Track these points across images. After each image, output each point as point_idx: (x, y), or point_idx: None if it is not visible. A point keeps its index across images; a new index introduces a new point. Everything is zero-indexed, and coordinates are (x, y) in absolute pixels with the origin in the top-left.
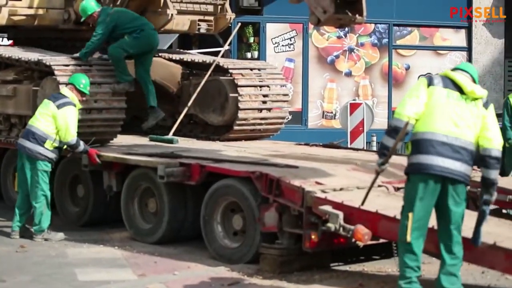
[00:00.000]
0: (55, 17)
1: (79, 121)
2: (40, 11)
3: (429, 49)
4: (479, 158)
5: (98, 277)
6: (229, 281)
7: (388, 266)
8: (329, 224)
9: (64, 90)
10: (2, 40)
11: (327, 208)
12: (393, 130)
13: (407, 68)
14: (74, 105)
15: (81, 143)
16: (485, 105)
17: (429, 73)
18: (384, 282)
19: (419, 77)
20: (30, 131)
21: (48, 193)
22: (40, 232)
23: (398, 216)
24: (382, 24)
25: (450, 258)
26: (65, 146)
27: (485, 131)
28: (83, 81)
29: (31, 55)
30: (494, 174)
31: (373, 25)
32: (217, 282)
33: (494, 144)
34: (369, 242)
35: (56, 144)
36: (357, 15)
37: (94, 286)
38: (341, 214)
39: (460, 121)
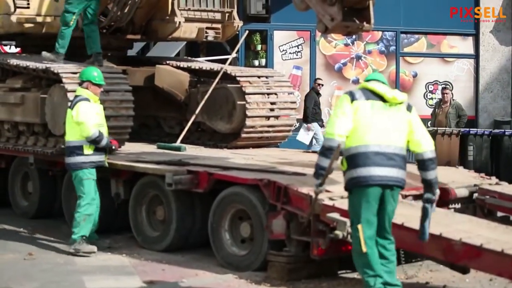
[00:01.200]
0: None
1: None
2: (48, 19)
3: (437, 57)
4: (416, 161)
5: (106, 284)
6: None
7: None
8: (337, 232)
9: (78, 90)
10: (10, 48)
11: (335, 215)
12: (327, 150)
13: (415, 76)
14: (87, 100)
15: (104, 136)
16: (408, 109)
17: (437, 81)
18: None
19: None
20: (66, 147)
21: (92, 204)
22: (72, 242)
23: (406, 224)
24: (389, 32)
25: (385, 250)
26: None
27: (413, 135)
28: (95, 74)
29: (39, 63)
30: (432, 174)
31: (380, 32)
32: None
33: (424, 147)
34: None
35: (94, 145)
36: (364, 23)
37: None
38: (348, 222)
39: (388, 129)
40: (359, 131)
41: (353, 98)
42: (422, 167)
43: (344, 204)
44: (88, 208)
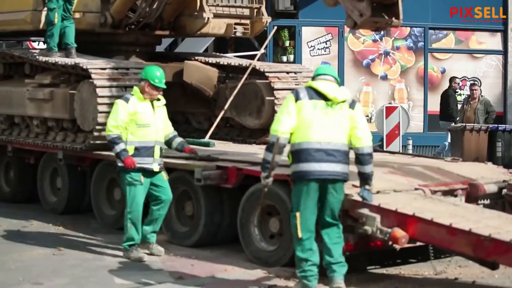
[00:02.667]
0: (92, 21)
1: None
2: (77, 15)
3: (465, 53)
4: (355, 155)
5: (135, 280)
6: (266, 284)
7: (424, 269)
8: (366, 227)
9: (134, 89)
10: (38, 44)
11: (364, 211)
12: (271, 146)
13: (443, 72)
14: (127, 99)
15: (119, 146)
16: (352, 105)
17: (465, 77)
18: (421, 285)
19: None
20: None
21: (136, 210)
22: (124, 250)
23: (436, 219)
24: (417, 28)
25: (329, 240)
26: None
27: (354, 131)
28: (158, 74)
29: (68, 59)
30: (369, 168)
31: (408, 28)
32: (254, 285)
33: (364, 142)
34: (406, 245)
35: (131, 146)
36: (393, 18)
37: None
38: (378, 217)
39: (329, 126)
40: (302, 128)
41: (297, 97)
42: (359, 161)
43: (373, 200)
44: (133, 215)
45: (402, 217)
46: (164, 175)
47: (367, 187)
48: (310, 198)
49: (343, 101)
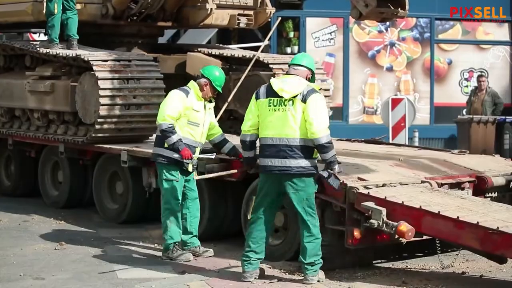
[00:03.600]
0: (93, 12)
1: (118, 116)
2: (78, 6)
3: (472, 43)
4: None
5: (137, 274)
6: (271, 278)
7: (431, 263)
8: (372, 221)
9: (192, 84)
10: (39, 36)
11: (370, 204)
12: (242, 143)
13: (449, 63)
14: (187, 92)
15: (176, 136)
16: (304, 100)
17: (472, 68)
18: (427, 279)
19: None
20: None
21: (174, 206)
22: (165, 250)
23: (442, 212)
24: (424, 18)
25: (302, 238)
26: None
27: (306, 124)
28: (217, 74)
29: (69, 51)
30: (327, 155)
31: (414, 19)
32: (258, 280)
33: (317, 135)
34: (412, 239)
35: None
36: (399, 9)
37: (134, 283)
38: (384, 210)
39: (282, 123)
40: (261, 126)
41: (257, 97)
42: (318, 151)
43: (379, 193)
44: (171, 212)
45: (408, 210)
46: (195, 174)
47: (329, 171)
48: (269, 192)
49: (295, 96)
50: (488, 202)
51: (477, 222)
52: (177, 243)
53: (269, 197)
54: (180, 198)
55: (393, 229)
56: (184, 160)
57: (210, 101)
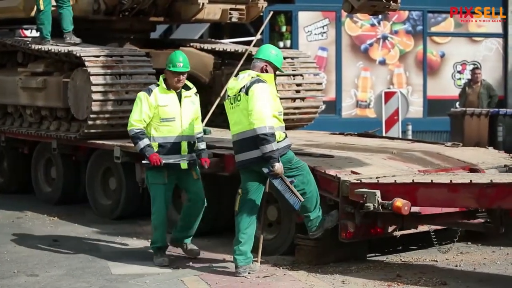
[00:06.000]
0: (85, 8)
1: (111, 112)
2: (70, 2)
3: (464, 36)
4: None
5: (131, 270)
6: (264, 273)
7: (425, 257)
8: (368, 204)
9: (160, 79)
10: (30, 32)
11: (363, 189)
12: None
13: (442, 56)
14: (146, 91)
15: (143, 141)
16: (247, 91)
17: (465, 61)
18: (422, 272)
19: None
20: None
21: (161, 210)
22: (152, 248)
23: (435, 181)
24: (416, 11)
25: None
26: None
27: (248, 115)
28: (178, 58)
29: (61, 47)
30: (263, 149)
31: (407, 12)
32: (252, 274)
33: (252, 124)
34: (406, 232)
35: (154, 143)
36: (391, 2)
37: (128, 279)
38: (378, 192)
39: (237, 119)
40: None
41: (224, 99)
42: (257, 143)
43: (370, 180)
44: (155, 217)
45: (402, 187)
46: (194, 174)
47: (266, 170)
48: (244, 182)
49: (240, 91)
50: (478, 174)
51: (470, 180)
52: (161, 248)
53: (253, 188)
54: (166, 202)
55: (389, 208)
56: (153, 167)
57: (187, 89)
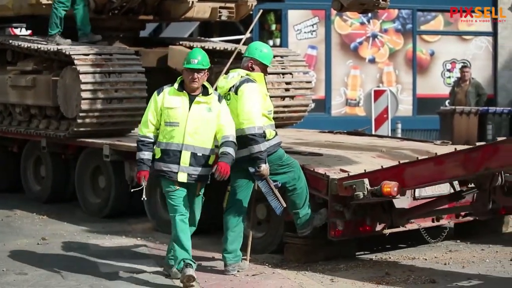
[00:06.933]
0: None
1: (100, 111)
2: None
3: (454, 35)
4: None
5: (120, 269)
6: (253, 271)
7: (414, 255)
8: (357, 193)
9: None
10: (20, 30)
11: (351, 180)
12: None
13: (432, 54)
14: (158, 90)
15: (141, 153)
16: (236, 90)
17: (454, 59)
18: (411, 270)
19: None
20: None
21: (176, 220)
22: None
23: (420, 158)
24: (405, 10)
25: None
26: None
27: (238, 115)
28: (195, 55)
29: (51, 45)
30: (252, 149)
31: (396, 10)
32: (242, 272)
33: (241, 124)
34: (395, 230)
35: (157, 148)
36: (380, 0)
37: (116, 278)
38: (366, 180)
39: None
40: None
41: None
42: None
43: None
44: (175, 229)
45: (388, 171)
46: (198, 188)
47: (257, 169)
48: (233, 180)
49: (230, 90)
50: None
51: (455, 149)
52: (186, 261)
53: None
54: (184, 209)
55: (380, 193)
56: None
57: (205, 94)
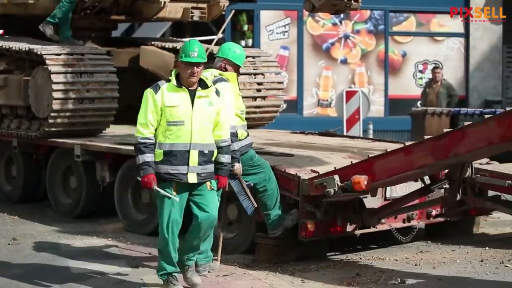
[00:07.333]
0: (46, 6)
1: (72, 111)
2: (31, 0)
3: (426, 36)
4: None
5: (91, 269)
6: (224, 272)
7: (385, 255)
8: (328, 189)
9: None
10: None
11: (322, 178)
12: None
13: (404, 55)
14: (153, 87)
15: (143, 156)
16: None
17: (426, 60)
18: (381, 271)
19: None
20: None
21: (168, 231)
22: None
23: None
24: (378, 11)
25: None
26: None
27: None
28: (193, 47)
29: (22, 45)
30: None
31: (369, 11)
32: (212, 273)
33: None
34: (366, 231)
35: (159, 150)
36: (352, 1)
37: (87, 278)
38: (336, 176)
39: None
40: None
41: None
42: None
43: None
44: (160, 239)
45: (358, 166)
46: (208, 185)
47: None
48: None
49: None
50: None
51: (423, 138)
52: (172, 274)
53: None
54: (178, 220)
55: (350, 188)
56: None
57: (205, 87)
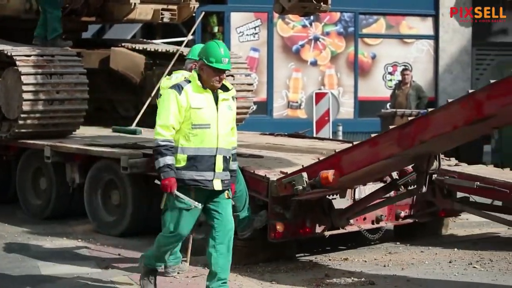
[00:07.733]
0: (17, 7)
1: (42, 112)
2: (1, 1)
3: (396, 38)
4: None
5: (61, 270)
6: (194, 273)
7: (354, 256)
8: (297, 187)
9: (192, 73)
10: None
11: (291, 177)
12: None
13: (373, 57)
14: (176, 88)
15: (164, 159)
16: None
17: (396, 62)
18: (350, 272)
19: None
20: None
21: (176, 239)
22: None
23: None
24: (348, 13)
25: None
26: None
27: None
28: (220, 51)
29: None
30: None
31: (338, 13)
32: (182, 274)
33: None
34: (335, 232)
35: (182, 155)
36: (322, 3)
37: (57, 279)
38: (305, 173)
39: None
40: None
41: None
42: None
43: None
44: (166, 241)
45: (325, 162)
46: (226, 193)
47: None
48: None
49: None
50: None
51: (388, 127)
52: (156, 271)
53: None
54: (188, 230)
55: (318, 183)
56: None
57: (225, 89)
